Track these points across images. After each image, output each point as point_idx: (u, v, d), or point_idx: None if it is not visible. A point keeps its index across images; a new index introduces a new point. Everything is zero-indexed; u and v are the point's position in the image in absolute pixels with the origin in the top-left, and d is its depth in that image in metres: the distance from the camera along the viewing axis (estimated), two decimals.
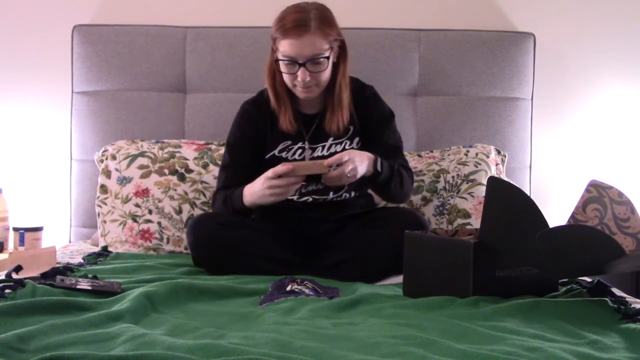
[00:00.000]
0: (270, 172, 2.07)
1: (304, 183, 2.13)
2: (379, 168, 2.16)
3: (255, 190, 2.14)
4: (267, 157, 2.28)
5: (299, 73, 2.15)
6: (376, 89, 2.39)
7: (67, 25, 2.84)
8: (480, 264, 1.73)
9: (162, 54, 2.84)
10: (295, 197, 2.26)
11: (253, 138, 2.30)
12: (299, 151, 2.28)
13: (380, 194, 2.32)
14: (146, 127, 2.81)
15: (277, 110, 2.26)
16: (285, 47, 2.13)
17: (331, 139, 2.29)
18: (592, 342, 1.42)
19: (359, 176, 2.11)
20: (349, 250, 2.14)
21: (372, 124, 2.32)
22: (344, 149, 2.27)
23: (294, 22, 2.12)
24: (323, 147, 2.29)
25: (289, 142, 2.28)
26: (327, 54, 2.16)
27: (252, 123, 2.31)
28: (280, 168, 2.06)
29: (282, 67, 2.17)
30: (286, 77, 2.19)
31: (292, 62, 2.15)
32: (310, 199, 2.28)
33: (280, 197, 2.10)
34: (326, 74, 2.20)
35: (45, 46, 2.91)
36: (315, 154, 2.28)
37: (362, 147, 2.29)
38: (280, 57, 2.16)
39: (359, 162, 2.10)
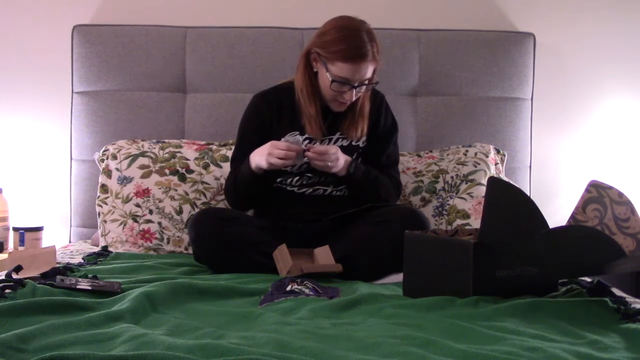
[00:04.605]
0: (279, 143, 2.20)
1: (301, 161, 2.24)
2: (351, 170, 2.27)
3: (260, 151, 2.22)
4: None
5: (348, 93, 2.23)
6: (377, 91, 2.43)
7: (67, 25, 2.84)
8: (480, 264, 1.73)
9: (162, 54, 2.84)
10: (295, 189, 2.30)
11: (258, 130, 2.35)
12: (306, 142, 2.31)
13: (354, 192, 2.35)
14: (146, 127, 2.81)
15: (305, 110, 2.29)
16: (343, 70, 2.19)
17: (339, 132, 2.34)
18: (592, 342, 1.42)
19: (340, 165, 2.23)
20: (349, 247, 2.15)
21: (377, 133, 2.38)
22: (350, 144, 2.34)
23: (355, 49, 2.18)
24: (330, 140, 2.33)
25: (297, 133, 2.33)
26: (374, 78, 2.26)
27: (258, 115, 2.37)
28: (283, 144, 2.19)
29: (334, 85, 2.22)
30: (330, 92, 2.25)
31: (345, 83, 2.21)
32: (310, 190, 2.31)
33: (275, 163, 2.18)
34: None
35: (45, 46, 2.91)
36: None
37: (365, 147, 2.36)
38: (333, 76, 2.20)
39: (341, 156, 2.24)
